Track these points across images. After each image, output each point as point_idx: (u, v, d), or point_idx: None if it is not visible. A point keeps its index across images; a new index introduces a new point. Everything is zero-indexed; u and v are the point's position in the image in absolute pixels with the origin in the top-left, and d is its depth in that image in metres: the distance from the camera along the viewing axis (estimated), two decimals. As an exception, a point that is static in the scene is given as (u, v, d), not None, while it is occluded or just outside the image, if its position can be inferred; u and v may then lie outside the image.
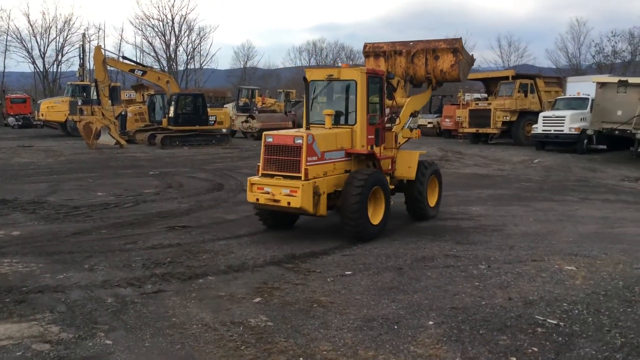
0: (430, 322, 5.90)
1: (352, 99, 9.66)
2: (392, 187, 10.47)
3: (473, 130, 28.44)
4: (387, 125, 10.55)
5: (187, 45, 69.04)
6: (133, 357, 5.15)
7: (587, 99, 23.98)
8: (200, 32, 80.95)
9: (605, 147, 23.61)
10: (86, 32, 58.65)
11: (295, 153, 8.87)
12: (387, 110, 10.65)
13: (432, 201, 11.23)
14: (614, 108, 21.22)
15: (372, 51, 11.73)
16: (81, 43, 48.64)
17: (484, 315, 6.09)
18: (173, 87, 27.99)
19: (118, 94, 34.93)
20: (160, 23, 66.55)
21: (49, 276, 7.38)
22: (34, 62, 61.83)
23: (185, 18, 68.37)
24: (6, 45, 60.14)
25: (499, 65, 69.23)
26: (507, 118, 27.33)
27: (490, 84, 31.04)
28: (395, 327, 5.79)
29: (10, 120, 44.06)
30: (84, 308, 6.30)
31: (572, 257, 8.34)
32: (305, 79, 9.62)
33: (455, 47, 11.01)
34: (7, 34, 60.03)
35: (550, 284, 7.11)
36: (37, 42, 61.68)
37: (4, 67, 61.82)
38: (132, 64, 28.49)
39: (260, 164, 9.31)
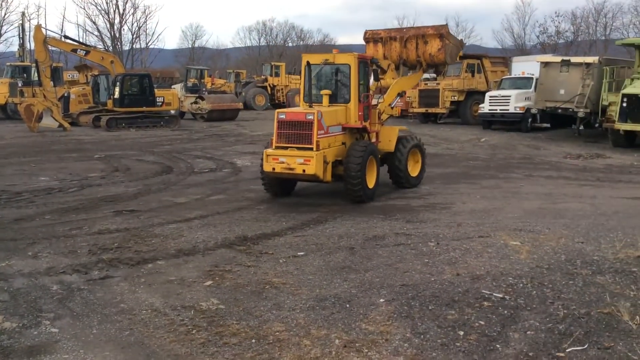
0: (382, 300, 5.99)
1: (345, 80, 10.94)
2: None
3: (422, 110, 28.71)
4: (373, 103, 11.76)
5: (132, 24, 67.37)
6: (80, 345, 5.02)
7: (532, 78, 24.52)
8: (145, 10, 78.99)
9: (549, 125, 24.23)
10: (26, 11, 56.54)
11: (308, 127, 10.07)
12: (372, 91, 11.98)
13: (414, 172, 12.33)
14: (557, 87, 21.80)
15: (372, 37, 13.17)
16: (20, 22, 46.53)
17: (433, 291, 6.22)
18: (118, 67, 27.11)
19: (60, 74, 33.70)
20: (104, 1, 64.57)
21: (-10, 265, 7.10)
22: (-32, 42, 59.10)
23: (130, -5, 66.44)
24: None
25: (447, 46, 70.07)
26: (455, 98, 27.70)
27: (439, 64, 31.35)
28: (347, 305, 5.85)
29: (-55, 103, 41.94)
30: (28, 296, 6.11)
31: (517, 232, 8.59)
32: (308, 63, 11.02)
33: (441, 32, 12.40)
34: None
35: (496, 259, 7.32)
36: (-29, 21, 58.96)
37: (-64, 47, 58.86)
38: (75, 43, 27.55)
39: (274, 137, 10.43)
